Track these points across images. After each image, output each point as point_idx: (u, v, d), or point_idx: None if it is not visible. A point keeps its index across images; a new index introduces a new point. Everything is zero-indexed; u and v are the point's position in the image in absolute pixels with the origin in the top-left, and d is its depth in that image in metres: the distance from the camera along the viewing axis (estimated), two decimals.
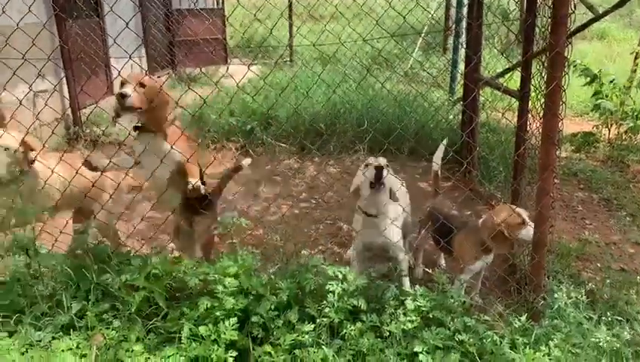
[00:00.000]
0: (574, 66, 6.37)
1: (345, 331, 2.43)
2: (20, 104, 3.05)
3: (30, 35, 2.82)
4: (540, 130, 2.91)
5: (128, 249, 3.06)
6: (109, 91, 7.15)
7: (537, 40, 3.58)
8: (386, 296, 2.62)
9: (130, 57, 2.80)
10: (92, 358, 2.38)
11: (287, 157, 6.26)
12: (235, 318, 2.40)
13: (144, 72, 7.87)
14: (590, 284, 3.17)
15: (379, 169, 3.07)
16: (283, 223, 4.39)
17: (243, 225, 2.84)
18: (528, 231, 2.91)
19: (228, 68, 3.12)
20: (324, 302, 2.50)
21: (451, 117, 6.41)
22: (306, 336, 2.40)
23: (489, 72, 5.58)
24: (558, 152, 2.79)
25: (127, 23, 2.87)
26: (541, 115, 2.94)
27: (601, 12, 4.58)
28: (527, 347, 2.38)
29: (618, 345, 2.37)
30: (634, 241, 4.29)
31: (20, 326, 2.56)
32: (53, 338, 2.51)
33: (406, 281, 3.30)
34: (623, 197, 5.09)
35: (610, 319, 2.54)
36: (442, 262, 3.83)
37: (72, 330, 2.54)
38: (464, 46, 6.74)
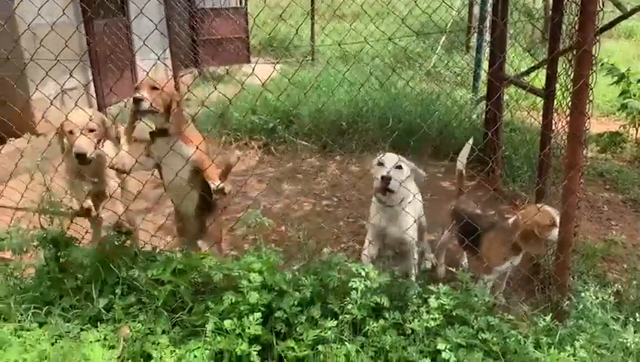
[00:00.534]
0: (601, 65, 6.27)
1: (367, 328, 2.44)
2: (51, 104, 3.12)
3: (59, 34, 2.89)
4: (566, 129, 2.88)
5: (154, 246, 3.11)
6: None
7: (563, 38, 3.54)
8: (408, 293, 2.62)
9: (158, 58, 2.85)
10: (119, 350, 2.44)
11: (309, 155, 6.28)
12: (259, 313, 2.43)
13: (168, 71, 7.97)
14: (616, 285, 3.12)
15: (385, 180, 3.05)
16: (305, 221, 4.41)
17: (266, 224, 2.86)
18: (554, 234, 2.88)
19: (254, 67, 3.13)
20: (347, 298, 2.51)
21: (474, 116, 6.36)
22: (329, 332, 2.42)
23: (514, 70, 5.53)
24: (584, 152, 2.76)
25: (155, 26, 2.91)
26: (567, 113, 2.91)
27: (629, 10, 4.50)
28: (552, 347, 2.35)
29: None
30: None
31: (50, 317, 2.63)
32: (82, 329, 2.57)
33: (414, 269, 3.33)
34: None
35: (637, 321, 2.50)
36: (465, 261, 3.81)
37: (99, 322, 2.60)
38: (488, 44, 6.68)
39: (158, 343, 2.47)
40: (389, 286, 2.64)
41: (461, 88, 7.72)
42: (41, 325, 2.60)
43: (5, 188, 3.26)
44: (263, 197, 5.05)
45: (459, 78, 8.04)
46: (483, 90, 7.09)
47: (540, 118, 3.92)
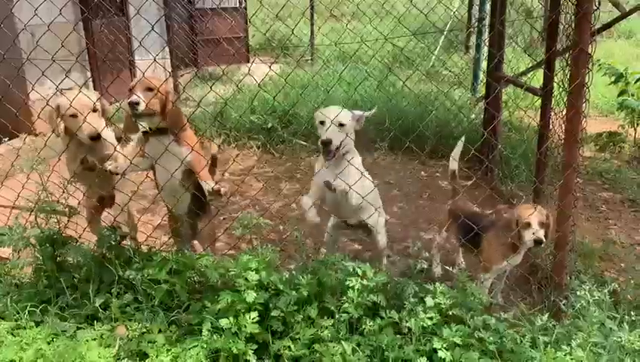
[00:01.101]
0: (599, 65, 6.27)
1: (364, 327, 2.44)
2: (47, 103, 3.11)
3: (57, 33, 2.89)
4: (563, 128, 2.88)
5: (150, 246, 3.10)
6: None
7: (561, 38, 3.54)
8: (405, 293, 2.62)
9: (154, 59, 2.85)
10: (116, 348, 2.44)
11: (307, 155, 6.28)
12: (256, 312, 2.42)
13: (166, 70, 7.97)
14: (614, 284, 3.12)
15: (326, 144, 2.98)
16: (303, 220, 4.40)
17: (262, 225, 2.85)
18: (529, 234, 2.83)
19: (250, 67, 3.12)
20: (344, 297, 2.51)
21: (473, 116, 6.36)
22: (326, 331, 2.42)
23: (512, 70, 5.53)
24: (580, 150, 2.76)
25: (152, 27, 2.90)
26: (564, 112, 2.91)
27: (627, 10, 4.51)
28: (549, 346, 2.35)
29: None
30: None
31: (46, 316, 2.63)
32: (78, 328, 2.58)
33: (382, 239, 3.40)
34: None
35: (633, 319, 2.50)
36: (461, 260, 3.81)
37: (95, 321, 2.60)
38: (487, 44, 6.69)
39: (155, 342, 2.48)
40: (385, 286, 2.64)
41: (460, 88, 7.72)
42: (37, 324, 2.60)
43: (2, 187, 3.26)
44: (261, 196, 5.06)
45: (458, 77, 8.04)
46: (482, 90, 7.09)
47: (538, 118, 3.92)
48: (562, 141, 2.93)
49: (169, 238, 3.55)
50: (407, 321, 2.46)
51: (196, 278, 2.84)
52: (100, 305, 2.67)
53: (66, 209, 3.06)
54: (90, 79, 6.46)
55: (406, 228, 4.43)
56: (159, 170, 3.10)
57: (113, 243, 2.91)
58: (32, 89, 3.02)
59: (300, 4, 10.61)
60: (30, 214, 3.01)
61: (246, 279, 2.50)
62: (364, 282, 2.52)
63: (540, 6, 8.22)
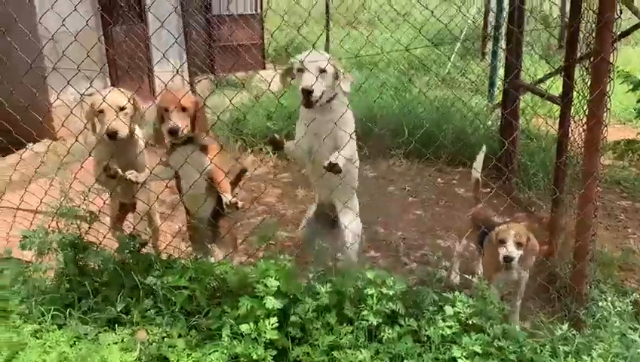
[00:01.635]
0: (617, 72, 6.20)
1: (383, 334, 2.45)
2: (71, 112, 3.16)
3: (80, 42, 2.94)
4: (583, 137, 2.86)
5: (169, 254, 3.13)
6: (151, 95, 7.34)
7: (580, 46, 3.52)
8: (424, 301, 2.62)
9: (176, 69, 2.87)
10: (137, 352, 2.47)
11: None
12: (275, 318, 2.44)
13: (183, 80, 8.04)
14: (635, 294, 3.09)
15: (305, 92, 2.77)
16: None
17: (280, 236, 2.85)
18: (502, 251, 2.85)
19: (272, 78, 3.11)
20: (363, 305, 2.52)
21: (489, 123, 6.33)
22: (344, 338, 2.43)
23: (530, 77, 5.51)
24: (601, 159, 2.75)
25: (174, 37, 2.94)
26: (584, 121, 2.90)
27: None
28: (569, 356, 2.34)
29: None
30: None
31: (69, 319, 2.67)
32: (100, 332, 2.61)
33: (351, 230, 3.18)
34: None
35: None
36: (480, 269, 3.79)
37: (117, 325, 2.64)
38: (504, 51, 6.66)
39: (175, 346, 2.50)
40: (404, 294, 2.64)
41: (476, 95, 7.70)
42: (59, 327, 2.64)
43: (25, 192, 3.32)
44: (277, 202, 5.08)
45: (474, 84, 8.01)
46: (499, 97, 7.06)
47: (556, 126, 3.90)
48: (582, 149, 2.92)
49: (187, 246, 3.57)
50: (426, 329, 2.46)
51: (215, 284, 2.87)
52: (120, 310, 2.71)
53: (87, 215, 3.10)
54: (110, 85, 6.54)
55: (423, 236, 4.43)
56: (184, 179, 3.12)
57: (133, 249, 2.95)
58: (58, 97, 3.06)
59: (316, 12, 10.65)
60: (52, 219, 3.06)
61: (265, 285, 2.52)
62: (383, 290, 2.53)
63: (558, 13, 8.19)
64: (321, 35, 9.65)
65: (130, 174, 3.04)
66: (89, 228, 3.10)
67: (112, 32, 6.51)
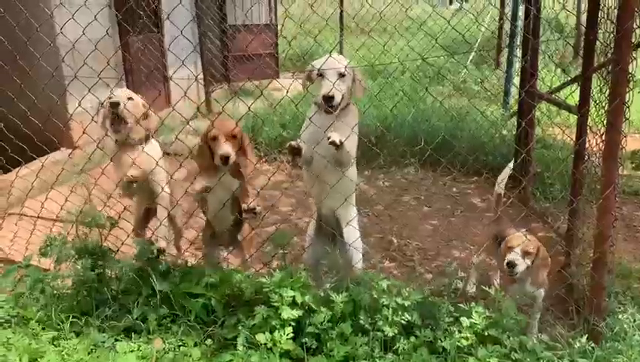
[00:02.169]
0: (634, 81, 6.14)
1: (398, 345, 2.44)
2: (92, 119, 3.21)
3: (99, 49, 2.99)
4: (600, 147, 2.84)
5: (186, 260, 3.15)
6: (167, 103, 7.40)
7: (597, 55, 3.50)
8: (440, 312, 2.60)
9: (196, 78, 2.91)
10: (152, 361, 2.48)
11: None
12: (291, 328, 2.44)
13: (198, 89, 8.10)
14: None
15: (327, 99, 2.71)
16: None
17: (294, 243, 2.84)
18: (506, 258, 2.85)
19: (289, 86, 3.13)
20: (378, 315, 2.51)
21: (505, 132, 6.30)
22: (360, 349, 2.43)
23: (547, 85, 5.47)
24: (620, 170, 2.72)
25: (194, 47, 2.97)
26: (601, 131, 2.87)
27: None
28: None
29: None
30: None
31: (87, 327, 2.69)
32: (116, 340, 2.63)
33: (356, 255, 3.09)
34: None
35: None
36: (497, 280, 3.76)
37: (133, 333, 2.66)
38: (519, 60, 6.63)
39: (190, 355, 2.52)
40: (420, 304, 2.63)
41: (491, 104, 7.66)
42: (77, 334, 2.67)
43: (46, 199, 3.36)
44: (291, 211, 5.09)
45: (489, 93, 7.98)
46: (514, 105, 7.03)
47: (573, 135, 3.87)
48: (599, 159, 2.89)
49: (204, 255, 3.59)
50: (442, 341, 2.45)
51: (229, 292, 2.88)
52: (137, 318, 2.73)
53: (107, 221, 3.13)
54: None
55: (438, 246, 4.41)
56: (212, 200, 3.14)
57: (151, 256, 2.97)
58: (79, 105, 3.10)
59: (330, 20, 10.68)
60: (71, 226, 3.10)
61: (281, 295, 2.53)
62: (399, 300, 2.52)
63: (574, 22, 8.14)
64: (336, 45, 9.69)
65: (130, 173, 3.15)
66: (108, 234, 3.13)
67: (129, 41, 6.60)
